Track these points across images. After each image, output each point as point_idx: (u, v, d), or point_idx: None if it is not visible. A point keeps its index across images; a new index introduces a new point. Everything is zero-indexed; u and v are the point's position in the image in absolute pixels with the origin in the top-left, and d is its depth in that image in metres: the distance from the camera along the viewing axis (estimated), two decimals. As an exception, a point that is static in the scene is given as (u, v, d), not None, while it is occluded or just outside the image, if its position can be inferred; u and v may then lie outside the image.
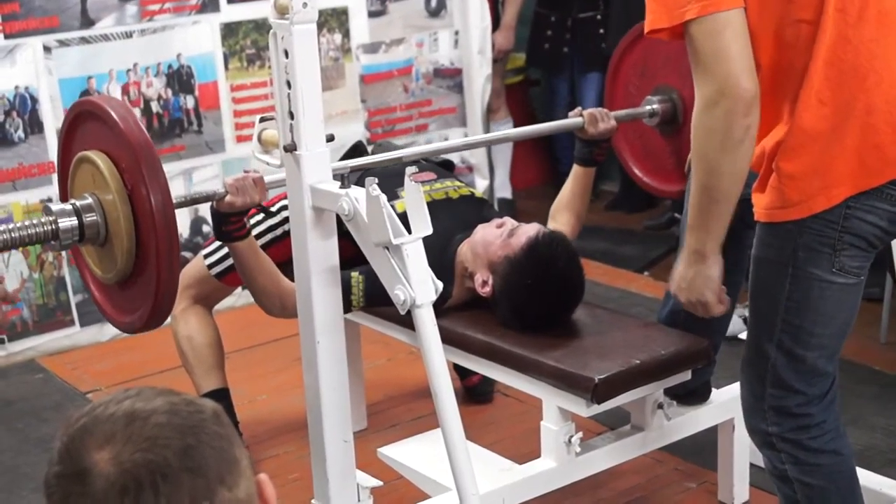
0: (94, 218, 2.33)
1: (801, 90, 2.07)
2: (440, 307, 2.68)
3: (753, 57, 2.04)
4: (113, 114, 2.29)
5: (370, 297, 2.73)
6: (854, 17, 2.04)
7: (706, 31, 2.01)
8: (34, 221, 2.33)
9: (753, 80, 2.02)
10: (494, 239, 2.75)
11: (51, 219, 2.33)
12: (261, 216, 3.08)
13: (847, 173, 2.07)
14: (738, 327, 3.81)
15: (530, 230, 2.73)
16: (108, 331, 4.28)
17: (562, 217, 3.05)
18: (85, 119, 2.40)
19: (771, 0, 2.06)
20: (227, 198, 2.47)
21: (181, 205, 2.45)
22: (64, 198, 2.47)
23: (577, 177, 3.06)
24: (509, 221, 2.79)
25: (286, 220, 2.96)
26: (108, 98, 2.38)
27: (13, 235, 2.30)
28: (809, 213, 2.10)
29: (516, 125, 5.61)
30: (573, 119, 3.00)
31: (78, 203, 2.34)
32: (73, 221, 2.33)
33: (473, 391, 3.60)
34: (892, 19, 2.07)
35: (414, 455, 2.80)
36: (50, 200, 4.13)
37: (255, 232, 3.09)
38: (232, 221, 2.54)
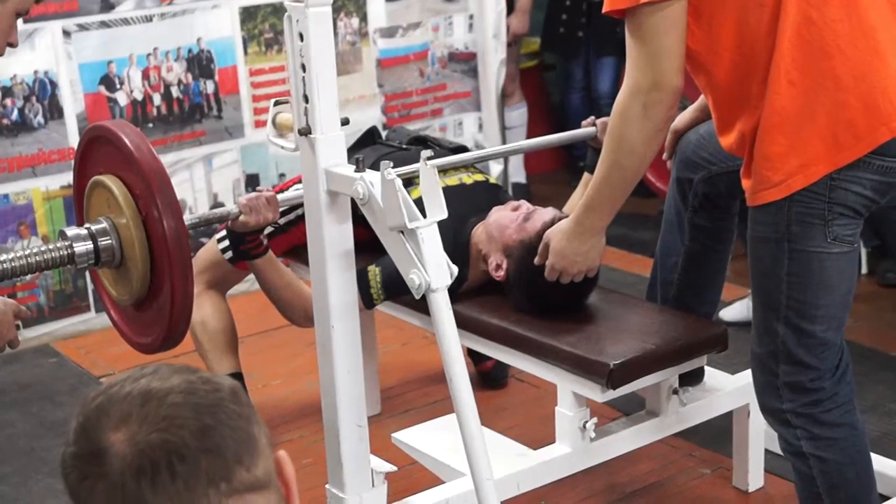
0: (109, 242, 2.35)
1: (769, 73, 2.13)
2: (457, 290, 2.67)
3: (717, 42, 2.17)
4: (126, 141, 2.31)
5: (388, 289, 2.73)
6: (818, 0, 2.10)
7: (654, 26, 2.14)
8: (50, 247, 2.35)
9: (682, 77, 2.19)
10: (510, 222, 2.73)
11: (66, 244, 2.35)
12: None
13: (822, 151, 2.13)
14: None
15: (546, 214, 2.71)
16: (122, 315, 4.28)
17: None
18: (99, 144, 2.42)
19: None
20: (241, 217, 2.51)
21: (195, 226, 2.49)
22: (80, 220, 2.49)
23: (586, 185, 2.95)
24: (525, 205, 2.78)
25: (293, 209, 2.96)
26: (122, 124, 2.41)
27: (30, 261, 2.33)
28: (789, 191, 2.16)
29: (530, 110, 5.60)
30: (586, 129, 3.04)
31: (93, 227, 2.36)
32: (89, 245, 2.35)
33: (487, 376, 3.59)
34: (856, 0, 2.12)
35: (428, 440, 2.80)
36: (70, 187, 4.13)
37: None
38: (248, 240, 2.59)
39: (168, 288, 2.29)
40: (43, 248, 2.35)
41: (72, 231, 2.37)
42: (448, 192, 2.71)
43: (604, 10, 2.18)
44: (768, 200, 2.19)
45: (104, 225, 2.36)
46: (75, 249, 2.34)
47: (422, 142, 3.21)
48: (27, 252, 2.33)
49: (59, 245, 2.35)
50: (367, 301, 2.74)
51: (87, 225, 2.38)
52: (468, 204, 2.88)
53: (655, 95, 2.17)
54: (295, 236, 3.01)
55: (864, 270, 4.33)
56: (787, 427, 2.32)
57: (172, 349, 2.46)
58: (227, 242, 3.13)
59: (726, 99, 2.25)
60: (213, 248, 3.18)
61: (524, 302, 2.71)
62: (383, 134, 3.37)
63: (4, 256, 2.31)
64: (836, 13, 2.10)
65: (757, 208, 2.24)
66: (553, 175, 5.88)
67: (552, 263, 2.52)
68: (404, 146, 3.14)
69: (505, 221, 2.74)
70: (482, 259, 2.79)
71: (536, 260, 2.59)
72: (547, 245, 2.55)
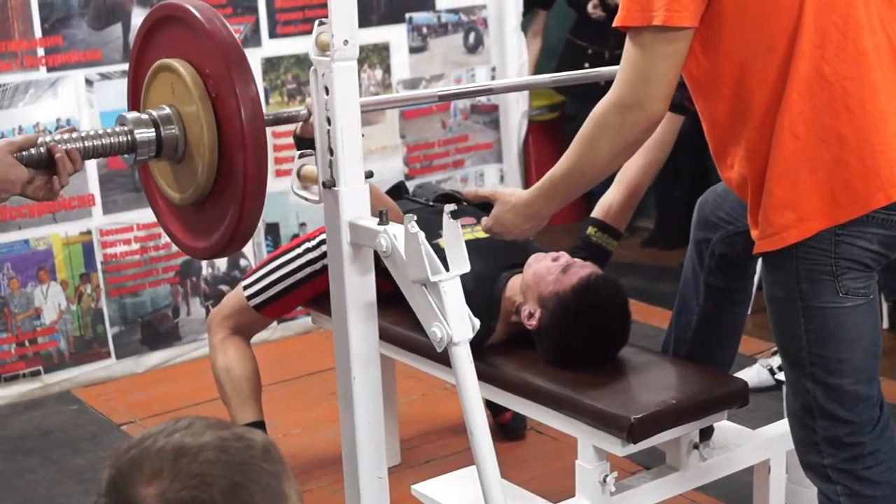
0: (174, 131, 2.17)
1: (775, 123, 2.11)
2: (483, 343, 2.67)
3: (718, 77, 2.15)
4: (198, 15, 2.13)
5: None
6: (832, 55, 2.09)
7: (655, 49, 2.11)
8: (108, 130, 2.12)
9: (667, 105, 2.15)
10: (547, 273, 2.73)
11: (126, 128, 2.14)
12: (300, 249, 3.12)
13: (819, 206, 2.12)
14: (763, 377, 3.81)
15: (584, 271, 2.71)
16: (143, 362, 4.30)
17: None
18: (165, 25, 2.25)
19: (749, 26, 2.11)
20: (311, 119, 2.40)
21: (266, 123, 2.28)
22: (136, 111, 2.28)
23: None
24: (564, 256, 2.78)
25: (325, 254, 2.98)
26: (193, 0, 2.16)
27: (86, 144, 2.12)
28: (783, 244, 2.15)
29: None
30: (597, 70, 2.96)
31: (156, 113, 2.16)
32: (151, 133, 2.15)
33: (506, 428, 3.58)
34: (868, 58, 2.11)
35: (448, 492, 2.79)
36: (89, 233, 4.16)
37: (294, 265, 3.12)
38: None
39: (239, 179, 2.10)
40: (101, 132, 2.12)
41: (132, 115, 2.14)
42: (476, 244, 2.71)
43: (614, 24, 2.15)
44: (765, 250, 2.18)
45: (168, 111, 2.15)
46: (136, 137, 2.13)
47: (449, 198, 3.21)
48: (83, 134, 2.12)
49: (118, 129, 2.13)
50: None
51: (148, 110, 2.17)
52: (498, 257, 2.87)
53: (636, 115, 2.15)
54: (321, 285, 3.00)
55: (885, 325, 4.31)
56: (828, 483, 2.29)
57: (233, 252, 2.26)
58: (252, 289, 3.16)
59: (722, 133, 2.23)
60: (238, 294, 3.20)
61: (552, 354, 2.71)
62: (410, 188, 3.39)
63: (59, 137, 2.10)
64: (849, 70, 2.09)
65: (767, 268, 2.24)
66: (576, 227, 5.88)
67: (490, 226, 2.49)
68: (431, 203, 3.15)
69: (542, 271, 2.73)
70: (515, 311, 2.79)
71: (466, 192, 2.56)
72: (493, 197, 2.49)
